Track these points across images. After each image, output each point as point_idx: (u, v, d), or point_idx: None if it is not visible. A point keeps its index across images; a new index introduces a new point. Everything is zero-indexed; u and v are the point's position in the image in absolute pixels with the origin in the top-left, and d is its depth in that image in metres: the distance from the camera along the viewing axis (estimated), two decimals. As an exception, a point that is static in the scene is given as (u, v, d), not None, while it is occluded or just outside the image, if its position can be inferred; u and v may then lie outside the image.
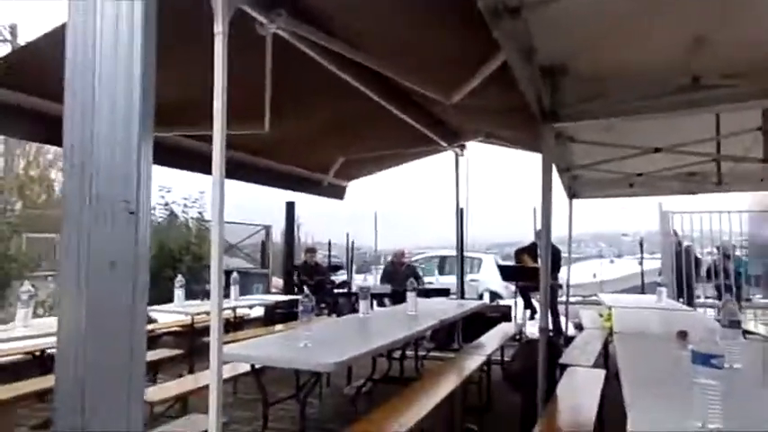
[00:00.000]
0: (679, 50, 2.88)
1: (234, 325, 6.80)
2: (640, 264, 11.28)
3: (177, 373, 4.94)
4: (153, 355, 4.47)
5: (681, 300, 8.90)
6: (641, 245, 10.82)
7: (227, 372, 3.70)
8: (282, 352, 3.10)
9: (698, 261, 9.73)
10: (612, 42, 2.87)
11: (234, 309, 6.33)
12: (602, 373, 3.85)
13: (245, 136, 4.69)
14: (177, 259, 9.83)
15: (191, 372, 5.01)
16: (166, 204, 11.54)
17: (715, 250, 9.63)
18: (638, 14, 2.48)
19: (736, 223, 9.53)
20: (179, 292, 5.45)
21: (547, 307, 3.45)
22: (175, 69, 3.73)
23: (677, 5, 2.45)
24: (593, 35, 2.80)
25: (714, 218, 9.52)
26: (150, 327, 6.04)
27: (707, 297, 9.72)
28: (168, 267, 9.28)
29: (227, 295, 6.25)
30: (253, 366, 3.28)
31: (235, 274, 6.18)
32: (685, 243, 9.73)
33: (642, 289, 10.41)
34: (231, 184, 6.15)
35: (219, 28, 2.49)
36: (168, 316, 5.96)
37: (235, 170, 5.68)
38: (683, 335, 3.34)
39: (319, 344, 3.22)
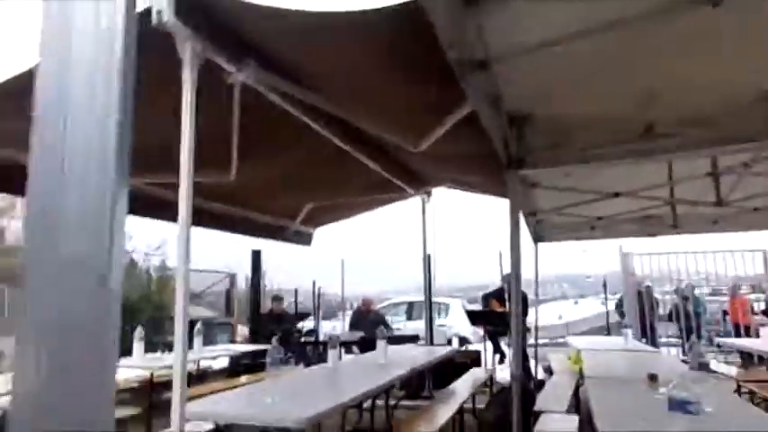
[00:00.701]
0: (633, 102, 3.03)
1: (196, 377, 6.49)
2: (604, 304, 11.49)
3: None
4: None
5: (644, 340, 9.06)
6: (605, 286, 11.04)
7: (191, 429, 3.50)
8: (249, 408, 2.95)
9: (656, 301, 9.98)
10: (574, 93, 3.00)
11: (197, 361, 6.05)
12: (575, 418, 3.82)
13: (211, 183, 4.63)
14: (136, 309, 9.44)
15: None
16: (127, 252, 11.19)
17: (674, 291, 9.92)
18: (596, 69, 2.60)
19: (696, 264, 9.86)
20: (138, 346, 5.17)
21: (519, 353, 3.42)
22: (140, 115, 3.69)
23: (631, 62, 2.59)
24: (557, 86, 2.92)
25: (672, 258, 9.86)
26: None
27: (668, 336, 9.92)
28: (127, 318, 8.89)
29: (190, 346, 6.00)
30: (217, 424, 3.11)
31: (199, 325, 5.95)
32: (645, 283, 9.99)
33: (608, 329, 10.55)
34: (194, 231, 6.02)
35: (187, 76, 2.48)
36: (125, 371, 5.63)
37: (198, 217, 5.57)
38: (653, 378, 3.37)
39: (288, 398, 3.09)
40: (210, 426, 3.27)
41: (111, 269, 0.68)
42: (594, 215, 6.36)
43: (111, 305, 0.68)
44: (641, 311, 9.63)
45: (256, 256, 8.08)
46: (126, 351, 5.41)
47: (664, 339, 9.83)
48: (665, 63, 2.65)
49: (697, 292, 10.23)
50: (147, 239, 11.99)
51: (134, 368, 5.21)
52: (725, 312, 9.73)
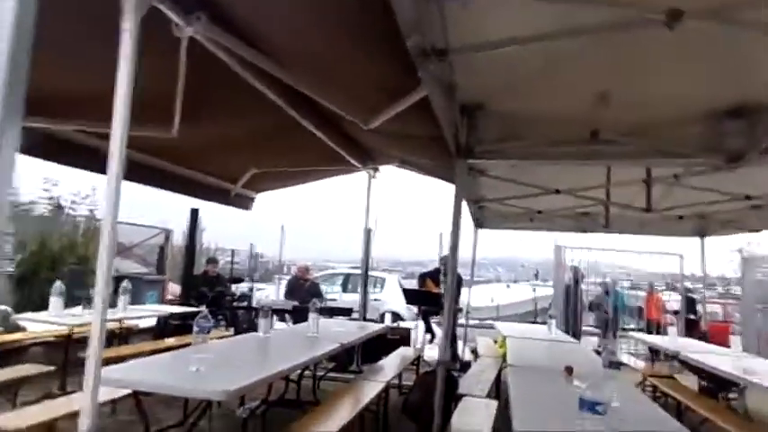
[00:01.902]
0: (582, 104, 3.10)
1: (120, 337, 6.27)
2: (534, 291, 12.00)
3: (45, 391, 4.43)
4: (13, 371, 3.96)
5: (568, 328, 9.60)
6: (536, 274, 11.50)
7: (107, 394, 3.37)
8: (171, 377, 2.86)
9: (581, 292, 10.50)
10: (527, 90, 3.03)
11: (121, 320, 5.83)
12: (494, 403, 3.98)
13: (151, 138, 4.39)
14: (58, 260, 8.93)
15: (62, 390, 4.52)
16: (51, 198, 10.51)
17: (599, 285, 10.46)
18: (550, 70, 2.63)
19: (620, 260, 10.43)
20: (56, 300, 4.89)
21: (447, 337, 3.51)
22: (80, 60, 3.42)
23: (585, 67, 2.63)
24: (511, 82, 2.93)
25: (600, 254, 10.38)
26: (17, 336, 5.40)
27: (588, 326, 10.51)
28: (47, 269, 8.41)
29: (114, 304, 5.77)
30: (136, 391, 3.01)
31: (125, 283, 5.71)
32: (573, 274, 10.48)
33: (535, 316, 11.05)
34: (131, 185, 5.74)
35: (127, 25, 2.30)
36: (40, 326, 5.36)
37: (136, 172, 5.31)
38: (569, 370, 3.55)
39: (212, 368, 3.02)
40: (128, 391, 3.17)
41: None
42: (534, 208, 6.56)
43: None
44: (566, 302, 10.12)
45: (194, 214, 7.82)
46: (44, 305, 5.13)
47: (584, 328, 10.40)
48: (617, 73, 2.72)
49: (619, 286, 10.86)
50: (77, 188, 11.31)
51: (48, 323, 4.94)
52: (640, 309, 10.37)
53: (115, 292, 6.95)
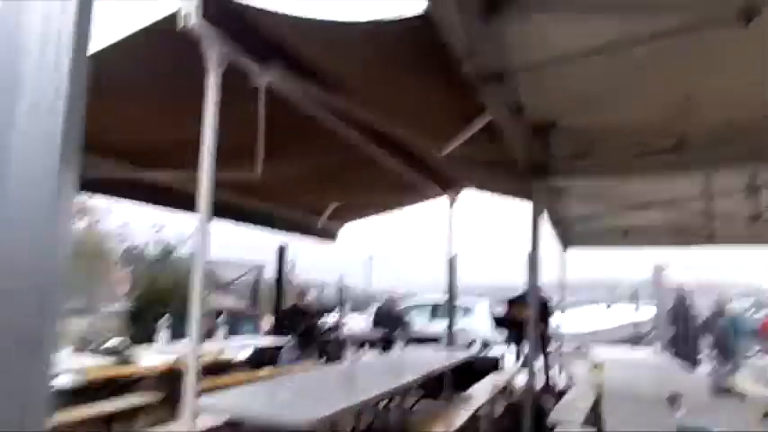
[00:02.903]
0: (662, 112, 2.93)
1: (219, 368, 6.63)
2: (635, 312, 11.21)
3: (158, 419, 4.77)
4: (123, 402, 4.31)
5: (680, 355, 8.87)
6: (636, 296, 10.77)
7: (207, 422, 3.59)
8: (262, 405, 3.00)
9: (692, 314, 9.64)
10: (600, 104, 2.93)
11: (221, 350, 6.18)
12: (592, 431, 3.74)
13: (239, 179, 4.73)
14: (167, 298, 9.69)
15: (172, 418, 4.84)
16: (159, 242, 11.50)
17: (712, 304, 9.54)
18: (622, 81, 2.53)
19: (737, 277, 9.51)
20: (164, 333, 5.32)
21: (532, 366, 3.38)
22: (174, 114, 3.80)
23: (660, 75, 2.51)
24: (581, 97, 2.85)
25: (709, 271, 9.54)
26: (130, 370, 5.88)
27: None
28: (157, 305, 9.14)
29: (213, 336, 6.13)
30: (230, 419, 3.18)
31: (223, 315, 6.08)
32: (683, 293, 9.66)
33: (637, 340, 10.30)
34: (226, 225, 6.16)
35: (212, 80, 2.54)
36: (150, 357, 5.81)
37: (226, 211, 5.71)
38: (673, 399, 3.27)
39: (300, 397, 3.13)
40: (224, 419, 3.34)
41: (55, 257, 0.70)
42: (626, 224, 6.21)
43: (48, 297, 0.69)
44: (676, 324, 9.34)
45: (281, 250, 8.18)
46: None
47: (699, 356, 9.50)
48: (696, 75, 2.56)
49: (738, 306, 9.85)
50: (182, 230, 12.28)
51: (157, 354, 5.36)
52: (762, 329, 9.33)
53: (215, 324, 7.41)
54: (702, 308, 9.78)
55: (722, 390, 2.66)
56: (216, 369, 6.52)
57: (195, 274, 2.51)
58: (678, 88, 2.67)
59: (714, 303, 9.51)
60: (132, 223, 12.74)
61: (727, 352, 8.83)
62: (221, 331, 5.79)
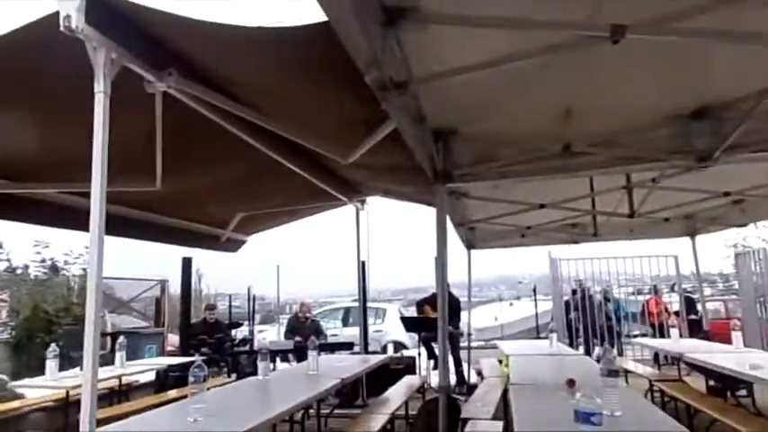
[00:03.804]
0: (551, 120, 3.18)
1: (120, 394, 6.19)
2: (535, 307, 11.94)
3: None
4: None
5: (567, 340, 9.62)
6: (534, 290, 11.47)
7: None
8: (168, 430, 2.84)
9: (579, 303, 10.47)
10: (495, 112, 3.11)
11: (119, 377, 5.77)
12: (500, 424, 3.93)
13: (137, 192, 4.45)
14: (54, 322, 8.87)
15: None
16: (43, 261, 10.49)
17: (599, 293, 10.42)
18: (514, 87, 2.71)
19: (616, 267, 10.43)
20: (51, 364, 4.84)
21: (445, 364, 3.50)
22: (60, 124, 3.50)
23: (547, 85, 2.71)
24: (479, 105, 3.01)
25: (596, 263, 10.39)
26: (15, 404, 5.33)
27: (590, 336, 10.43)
28: (43, 331, 8.34)
29: (111, 362, 5.71)
30: (133, 450, 2.97)
31: (121, 339, 5.67)
32: (576, 286, 10.48)
33: (537, 332, 10.97)
34: (121, 240, 5.77)
35: (101, 87, 2.37)
36: (37, 391, 5.30)
37: (124, 226, 5.36)
38: (571, 383, 3.52)
39: (211, 416, 3.00)
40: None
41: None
42: (523, 224, 6.61)
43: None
44: (574, 312, 10.14)
45: (186, 263, 7.80)
46: (42, 369, 5.07)
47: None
48: (579, 87, 2.81)
49: (620, 292, 10.81)
50: (70, 247, 11.30)
51: (46, 388, 4.88)
52: (641, 313, 10.29)
53: (112, 349, 6.89)
54: (594, 297, 10.66)
55: (610, 371, 2.91)
56: (116, 396, 6.08)
57: (89, 295, 2.33)
58: (560, 100, 2.91)
59: (601, 292, 10.42)
60: (9, 242, 11.53)
61: (612, 336, 9.71)
62: (119, 355, 5.39)
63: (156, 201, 5.09)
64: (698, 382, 5.87)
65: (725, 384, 5.47)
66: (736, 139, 3.03)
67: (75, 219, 4.51)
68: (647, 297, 10.63)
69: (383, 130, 3.35)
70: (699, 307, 9.36)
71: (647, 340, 8.01)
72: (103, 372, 5.47)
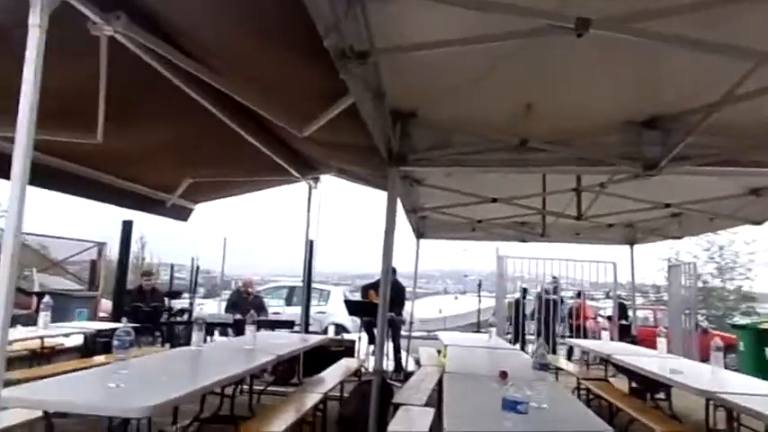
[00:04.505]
0: (510, 113, 3.18)
1: (42, 357, 5.88)
2: (479, 302, 12.19)
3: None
4: None
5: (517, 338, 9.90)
6: (479, 285, 11.68)
7: (23, 415, 3.14)
8: (85, 395, 2.69)
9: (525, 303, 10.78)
10: (457, 96, 3.08)
11: (41, 338, 5.47)
12: (431, 410, 3.96)
13: (76, 144, 4.18)
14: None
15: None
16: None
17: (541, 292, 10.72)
18: (479, 78, 2.69)
19: (559, 270, 10.73)
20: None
21: (382, 348, 3.48)
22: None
23: (511, 76, 2.70)
24: (441, 87, 2.97)
25: (540, 264, 10.66)
26: None
27: (530, 334, 10.77)
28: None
29: (34, 322, 5.42)
30: (46, 413, 2.81)
31: (47, 298, 5.38)
32: (520, 286, 10.76)
33: (478, 326, 11.21)
34: (58, 196, 5.43)
35: (36, 20, 2.17)
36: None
37: (59, 179, 5.04)
38: (503, 375, 3.59)
39: (135, 383, 2.87)
40: (38, 414, 2.95)
41: None
42: (475, 217, 6.69)
43: None
44: (516, 312, 10.44)
45: (127, 226, 7.48)
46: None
47: (528, 337, 10.65)
48: (539, 83, 2.82)
49: (564, 295, 11.18)
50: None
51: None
52: (570, 314, 10.64)
53: (36, 309, 6.55)
54: (533, 297, 10.98)
55: (541, 365, 2.98)
56: (37, 359, 5.77)
57: (5, 250, 2.15)
58: (522, 93, 2.92)
59: (539, 293, 10.74)
60: None
61: (547, 334, 10.04)
62: (43, 315, 5.11)
63: (97, 156, 4.81)
64: (622, 384, 6.13)
65: (646, 387, 5.74)
66: (682, 150, 3.13)
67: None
68: (572, 301, 11.03)
69: (339, 106, 3.26)
70: (630, 313, 9.79)
71: (579, 340, 8.31)
72: (23, 332, 5.18)
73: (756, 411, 3.08)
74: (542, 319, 10.14)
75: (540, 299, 10.38)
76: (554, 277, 10.58)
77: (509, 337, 10.17)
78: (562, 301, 10.70)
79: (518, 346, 9.64)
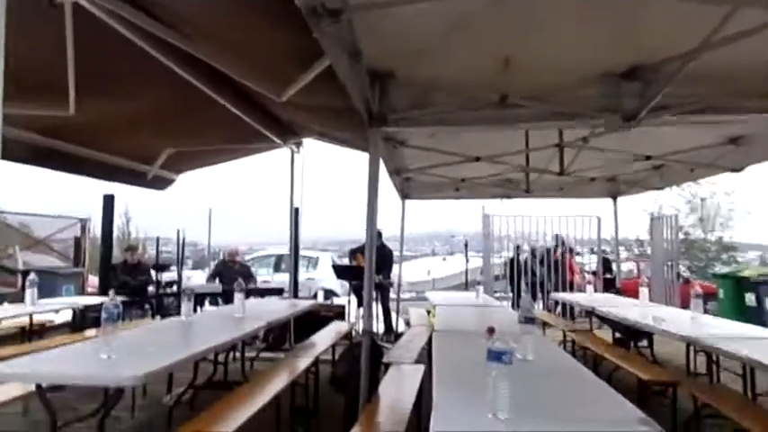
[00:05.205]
0: (489, 69, 3.14)
1: (32, 333, 5.88)
2: (467, 262, 12.34)
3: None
4: None
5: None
6: (466, 245, 11.78)
7: (16, 390, 3.17)
8: (76, 367, 2.71)
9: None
10: (435, 54, 3.02)
11: (30, 315, 5.46)
12: (421, 367, 4.05)
13: (46, 117, 4.08)
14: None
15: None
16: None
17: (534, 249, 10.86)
18: (454, 30, 2.63)
19: (545, 225, 10.84)
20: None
21: (370, 309, 3.53)
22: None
23: (488, 30, 2.66)
24: (418, 45, 2.91)
25: (526, 221, 10.77)
26: None
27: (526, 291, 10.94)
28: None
29: (21, 299, 5.39)
30: (39, 385, 2.82)
31: (32, 276, 5.34)
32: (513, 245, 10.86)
33: (466, 285, 11.39)
34: (44, 173, 5.32)
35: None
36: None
37: (34, 154, 4.93)
38: (491, 330, 3.66)
39: (127, 354, 2.90)
40: (31, 387, 2.97)
41: None
42: (458, 176, 6.70)
43: None
44: (511, 270, 10.56)
45: (108, 201, 7.38)
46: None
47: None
48: (518, 37, 2.77)
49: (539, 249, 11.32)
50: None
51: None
52: (556, 269, 10.81)
53: (22, 287, 6.50)
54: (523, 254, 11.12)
55: (527, 318, 3.04)
56: (27, 336, 5.77)
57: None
58: (500, 47, 2.87)
59: (529, 249, 10.88)
60: None
61: (535, 290, 10.24)
62: (30, 292, 5.08)
63: (71, 128, 4.71)
64: (606, 334, 6.31)
65: (629, 336, 5.92)
66: (660, 100, 3.13)
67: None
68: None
69: (317, 68, 3.20)
70: (614, 267, 9.99)
71: (564, 294, 8.49)
72: (12, 309, 5.16)
73: (732, 353, 3.20)
74: (538, 274, 10.30)
75: (533, 255, 10.51)
76: (557, 235, 10.66)
77: (497, 295, 10.32)
78: (570, 252, 10.74)
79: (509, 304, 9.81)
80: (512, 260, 10.76)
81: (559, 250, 10.41)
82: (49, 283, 8.28)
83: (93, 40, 3.26)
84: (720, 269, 16.07)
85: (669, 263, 9.18)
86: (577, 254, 11.31)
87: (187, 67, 3.70)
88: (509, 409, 1.94)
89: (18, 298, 5.74)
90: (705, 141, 4.92)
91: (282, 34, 3.07)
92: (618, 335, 6.10)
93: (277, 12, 2.81)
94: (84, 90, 3.80)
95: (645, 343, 5.95)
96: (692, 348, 4.88)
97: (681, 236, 14.70)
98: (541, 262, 10.46)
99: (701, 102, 3.26)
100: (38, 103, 3.86)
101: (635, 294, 6.31)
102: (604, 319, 5.99)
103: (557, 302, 9.47)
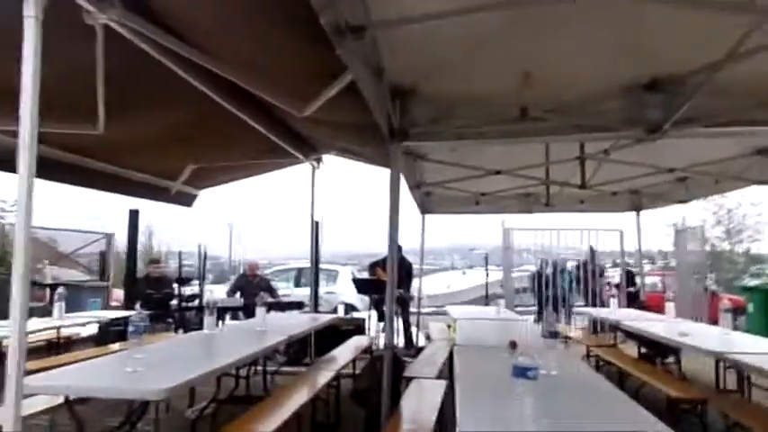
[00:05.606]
0: (509, 83, 3.15)
1: (59, 347, 5.99)
2: (487, 276, 12.22)
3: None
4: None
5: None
6: (486, 259, 11.69)
7: (43, 403, 3.23)
8: (104, 380, 2.75)
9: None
10: (456, 69, 3.06)
11: (58, 329, 5.57)
12: (443, 383, 4.02)
13: (76, 136, 4.19)
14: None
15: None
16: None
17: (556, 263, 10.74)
18: (475, 46, 2.66)
19: (566, 239, 10.70)
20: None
21: (392, 323, 3.53)
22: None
23: (508, 46, 2.67)
24: (439, 61, 2.95)
25: (546, 234, 10.64)
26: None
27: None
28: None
29: (50, 314, 5.51)
30: (67, 397, 2.88)
31: (60, 289, 5.46)
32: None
33: (486, 299, 11.27)
34: (69, 189, 5.46)
35: (31, 11, 2.17)
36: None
37: (63, 172, 5.07)
38: (513, 344, 3.63)
39: (152, 367, 2.93)
40: (60, 400, 3.03)
41: None
42: (479, 191, 6.69)
43: None
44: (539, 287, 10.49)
45: (134, 215, 7.53)
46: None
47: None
48: (538, 51, 2.79)
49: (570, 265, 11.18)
50: (5, 195, 10.71)
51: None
52: (578, 282, 10.64)
53: (50, 301, 6.64)
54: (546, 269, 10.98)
55: (551, 333, 3.01)
56: (54, 349, 5.88)
57: (17, 243, 2.18)
58: (520, 61, 2.89)
59: (552, 264, 10.75)
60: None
61: (557, 304, 10.09)
62: (58, 307, 5.20)
63: (99, 146, 4.83)
64: (631, 349, 6.18)
65: (656, 351, 5.79)
66: (685, 112, 3.10)
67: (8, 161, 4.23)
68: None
69: (338, 84, 3.24)
70: (638, 280, 9.80)
71: (588, 309, 8.35)
72: (41, 323, 5.28)
73: (765, 369, 3.11)
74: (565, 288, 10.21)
75: (555, 269, 10.42)
76: (591, 247, 10.53)
77: (519, 309, 10.20)
78: (602, 274, 10.67)
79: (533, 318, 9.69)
80: (537, 273, 10.69)
81: (590, 265, 10.28)
82: (75, 297, 8.45)
83: (121, 61, 3.35)
84: (749, 282, 15.65)
85: (696, 276, 8.98)
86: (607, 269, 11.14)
87: (210, 84, 3.78)
88: (535, 425, 1.92)
89: (46, 311, 5.86)
90: (731, 153, 4.85)
91: (304, 51, 3.12)
92: (644, 350, 5.98)
93: (299, 29, 2.87)
94: (112, 109, 3.90)
95: (672, 359, 5.81)
96: (721, 364, 4.75)
97: (707, 248, 14.38)
98: (569, 275, 10.35)
99: (725, 114, 3.22)
100: (68, 122, 3.97)
101: (659, 308, 6.18)
102: (629, 334, 5.88)
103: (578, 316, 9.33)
